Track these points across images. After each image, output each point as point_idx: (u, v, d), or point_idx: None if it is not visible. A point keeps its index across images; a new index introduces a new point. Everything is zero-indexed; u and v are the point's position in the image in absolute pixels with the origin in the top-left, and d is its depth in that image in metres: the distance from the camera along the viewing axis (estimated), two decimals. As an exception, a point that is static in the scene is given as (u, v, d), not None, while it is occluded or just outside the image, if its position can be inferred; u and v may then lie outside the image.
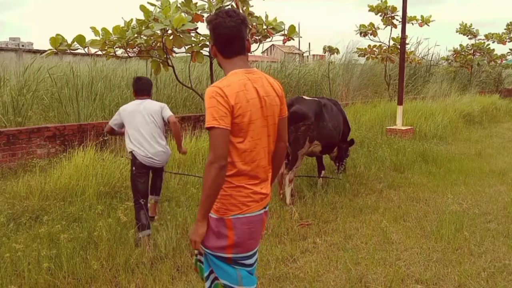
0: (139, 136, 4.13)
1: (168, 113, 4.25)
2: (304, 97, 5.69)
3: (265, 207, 2.18)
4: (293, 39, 7.89)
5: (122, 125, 4.31)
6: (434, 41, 50.72)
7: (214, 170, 1.91)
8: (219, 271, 2.11)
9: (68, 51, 6.75)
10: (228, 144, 1.96)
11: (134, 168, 4.18)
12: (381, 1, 14.18)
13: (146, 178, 4.26)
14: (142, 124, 4.14)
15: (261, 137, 2.08)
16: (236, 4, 7.10)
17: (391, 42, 15.02)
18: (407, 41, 12.46)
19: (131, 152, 4.18)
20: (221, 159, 1.91)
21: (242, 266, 2.12)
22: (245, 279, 2.11)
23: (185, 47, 7.23)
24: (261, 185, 2.12)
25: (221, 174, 1.93)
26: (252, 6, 7.28)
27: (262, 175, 2.12)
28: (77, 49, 6.75)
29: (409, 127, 10.09)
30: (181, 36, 6.60)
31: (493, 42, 19.84)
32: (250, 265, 2.15)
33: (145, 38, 6.84)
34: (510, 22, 20.16)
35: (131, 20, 6.85)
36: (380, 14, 14.36)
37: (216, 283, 2.15)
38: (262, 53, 31.82)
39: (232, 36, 2.04)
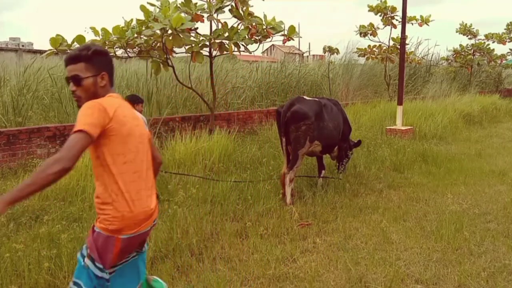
0: None
1: None
2: (304, 97, 5.69)
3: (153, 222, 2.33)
4: (293, 39, 7.90)
5: None
6: (434, 41, 50.62)
7: (57, 167, 1.87)
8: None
9: (68, 51, 6.76)
10: (82, 152, 1.98)
11: None
12: (381, 1, 14.19)
13: None
14: None
15: (138, 151, 2.21)
16: (236, 4, 7.11)
17: (391, 42, 15.04)
18: (407, 41, 12.47)
19: None
20: (69, 161, 1.90)
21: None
22: None
23: (185, 47, 7.25)
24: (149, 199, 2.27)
25: (59, 175, 1.90)
26: (252, 6, 7.30)
27: (142, 189, 2.23)
28: (77, 49, 6.75)
29: (409, 127, 10.09)
30: (181, 35, 6.61)
31: (493, 42, 19.87)
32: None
33: (145, 38, 6.85)
34: (510, 22, 20.19)
35: (131, 20, 6.86)
36: (379, 14, 14.36)
37: None
38: (262, 53, 31.83)
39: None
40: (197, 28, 7.05)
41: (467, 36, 19.81)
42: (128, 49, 7.10)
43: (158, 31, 6.44)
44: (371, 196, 5.74)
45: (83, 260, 2.16)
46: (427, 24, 15.03)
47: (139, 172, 2.21)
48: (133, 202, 2.15)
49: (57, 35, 6.61)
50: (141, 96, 6.47)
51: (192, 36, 7.06)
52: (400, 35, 11.41)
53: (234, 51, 7.29)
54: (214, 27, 7.45)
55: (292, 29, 7.67)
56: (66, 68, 2.20)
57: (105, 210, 2.12)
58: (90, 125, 1.98)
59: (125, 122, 2.15)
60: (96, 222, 2.17)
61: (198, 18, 6.86)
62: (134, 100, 6.13)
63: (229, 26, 7.27)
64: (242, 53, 7.75)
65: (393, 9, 14.19)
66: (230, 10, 7.21)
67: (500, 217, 4.94)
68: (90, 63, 2.17)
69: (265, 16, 7.28)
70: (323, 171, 6.20)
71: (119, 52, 7.27)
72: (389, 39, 14.98)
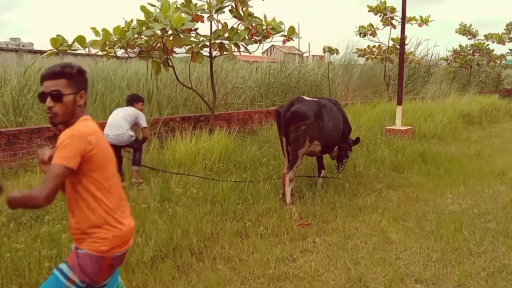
0: None
1: None
2: (304, 97, 5.70)
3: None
4: (293, 40, 7.92)
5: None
6: (434, 41, 50.45)
7: (34, 203, 1.94)
8: None
9: (69, 51, 6.77)
10: (60, 186, 2.03)
11: None
12: (380, 1, 14.20)
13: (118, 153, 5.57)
14: None
15: (115, 172, 2.26)
16: (236, 5, 7.12)
17: (391, 43, 15.04)
18: (406, 42, 12.47)
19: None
20: (44, 201, 1.94)
21: None
22: None
23: (185, 48, 7.26)
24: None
25: (36, 208, 2.02)
26: (252, 6, 7.31)
27: (126, 208, 2.30)
28: (78, 49, 6.77)
29: (409, 127, 10.10)
30: (181, 36, 6.62)
31: (492, 42, 19.88)
32: None
33: (145, 38, 6.86)
34: (510, 22, 20.22)
35: (132, 20, 6.87)
36: (379, 14, 14.37)
37: None
38: (262, 53, 31.83)
39: None
40: (197, 28, 7.06)
41: (466, 36, 19.82)
42: (129, 50, 7.11)
43: (158, 32, 6.45)
44: (371, 196, 5.75)
45: (66, 283, 2.12)
46: (427, 25, 15.03)
47: (121, 194, 2.27)
48: (122, 222, 2.21)
49: (58, 35, 6.62)
50: (142, 96, 6.56)
51: (193, 36, 7.07)
52: (399, 36, 11.42)
53: (234, 51, 7.30)
54: (214, 28, 7.46)
55: (292, 29, 7.68)
56: (43, 84, 2.15)
57: (95, 233, 2.14)
58: (69, 158, 1.99)
59: (104, 147, 2.17)
60: (80, 245, 2.16)
61: (198, 18, 6.87)
62: (134, 99, 6.26)
63: (229, 27, 7.28)
64: (242, 53, 7.77)
65: (393, 9, 14.20)
66: (230, 11, 7.22)
67: (499, 217, 4.96)
68: (73, 80, 2.16)
69: (265, 16, 7.30)
70: (323, 171, 6.21)
71: (120, 52, 7.28)
72: (389, 40, 15.00)
